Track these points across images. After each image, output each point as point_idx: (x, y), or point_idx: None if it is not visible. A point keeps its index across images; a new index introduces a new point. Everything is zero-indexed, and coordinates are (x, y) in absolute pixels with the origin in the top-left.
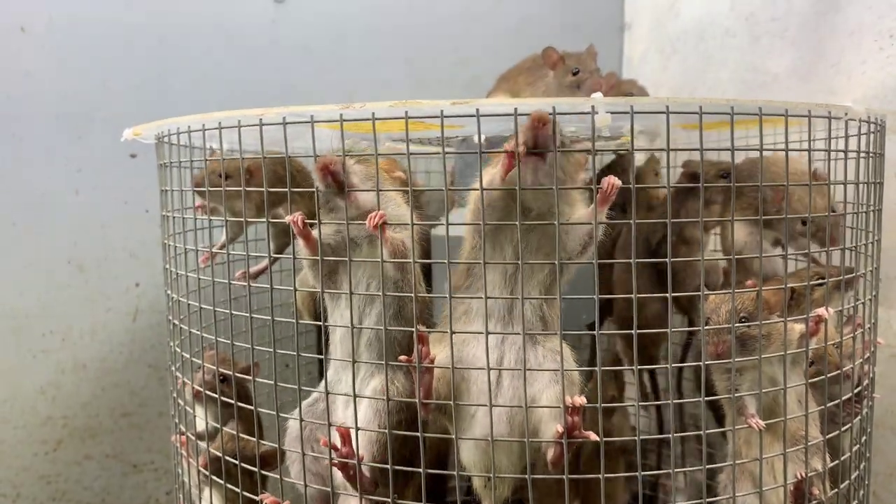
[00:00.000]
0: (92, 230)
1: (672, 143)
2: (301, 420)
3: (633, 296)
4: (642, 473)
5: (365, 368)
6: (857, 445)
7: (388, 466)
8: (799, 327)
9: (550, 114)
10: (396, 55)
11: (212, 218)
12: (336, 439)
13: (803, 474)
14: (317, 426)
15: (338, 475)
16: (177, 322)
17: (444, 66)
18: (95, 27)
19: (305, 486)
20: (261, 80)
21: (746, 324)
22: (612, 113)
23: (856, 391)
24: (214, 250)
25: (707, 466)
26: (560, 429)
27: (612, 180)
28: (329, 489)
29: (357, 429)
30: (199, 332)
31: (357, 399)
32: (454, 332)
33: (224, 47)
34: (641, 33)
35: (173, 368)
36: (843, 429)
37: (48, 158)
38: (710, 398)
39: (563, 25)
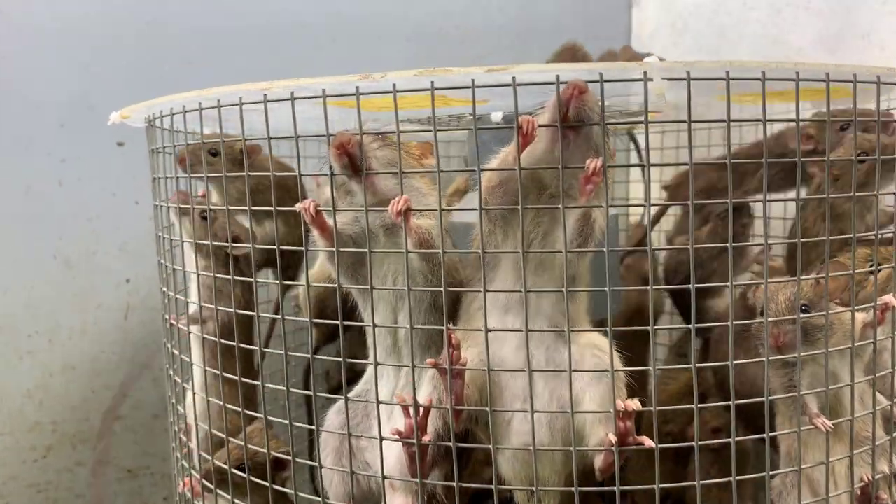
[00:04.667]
0: (78, 223)
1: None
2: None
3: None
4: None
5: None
6: None
7: (451, 444)
8: (861, 316)
9: (596, 81)
10: (397, 32)
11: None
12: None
13: (869, 477)
14: (356, 425)
15: (388, 465)
16: (173, 322)
17: (447, 44)
18: (77, 6)
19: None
20: (257, 62)
21: (809, 314)
22: (668, 80)
23: None
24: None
25: (771, 473)
26: (612, 438)
27: (596, 161)
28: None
29: (416, 405)
30: (197, 333)
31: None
32: (490, 330)
33: (218, 27)
34: (651, 8)
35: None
36: None
37: (29, 148)
38: (773, 398)
39: (569, 1)
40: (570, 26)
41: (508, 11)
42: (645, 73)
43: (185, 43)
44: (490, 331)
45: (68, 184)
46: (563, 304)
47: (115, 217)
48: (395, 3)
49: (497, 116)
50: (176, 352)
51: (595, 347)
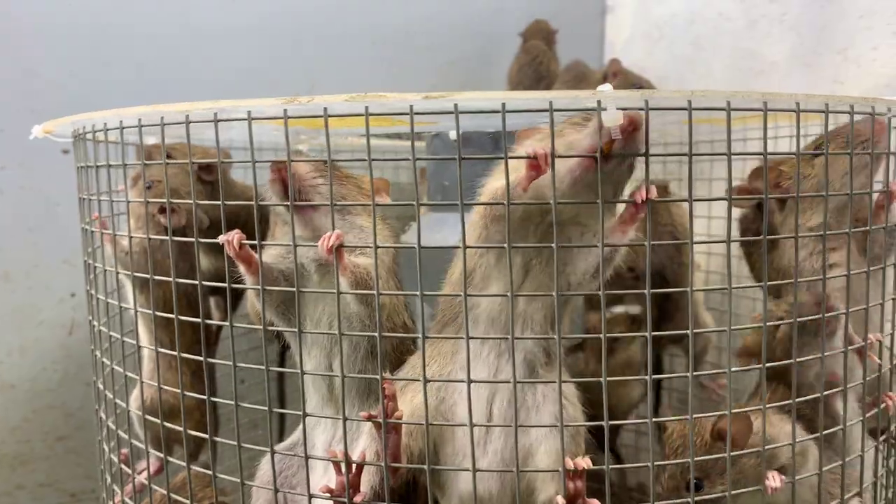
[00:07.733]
0: (19, 235)
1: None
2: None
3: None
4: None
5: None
6: None
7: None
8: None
9: (545, 110)
10: (363, 36)
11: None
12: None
13: None
14: (292, 475)
15: None
16: (106, 361)
17: (414, 49)
18: (18, 5)
19: None
20: (213, 67)
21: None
22: (623, 109)
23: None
24: None
25: None
26: (560, 500)
27: (645, 193)
28: None
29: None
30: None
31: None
32: (428, 381)
33: (171, 31)
34: (625, 16)
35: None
36: None
37: None
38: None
39: (540, 8)
40: None
41: (478, 16)
42: (599, 102)
43: (136, 46)
44: (428, 381)
45: (8, 192)
46: (544, 342)
47: (59, 228)
48: (361, 6)
49: (454, 134)
50: (110, 394)
51: (562, 394)
